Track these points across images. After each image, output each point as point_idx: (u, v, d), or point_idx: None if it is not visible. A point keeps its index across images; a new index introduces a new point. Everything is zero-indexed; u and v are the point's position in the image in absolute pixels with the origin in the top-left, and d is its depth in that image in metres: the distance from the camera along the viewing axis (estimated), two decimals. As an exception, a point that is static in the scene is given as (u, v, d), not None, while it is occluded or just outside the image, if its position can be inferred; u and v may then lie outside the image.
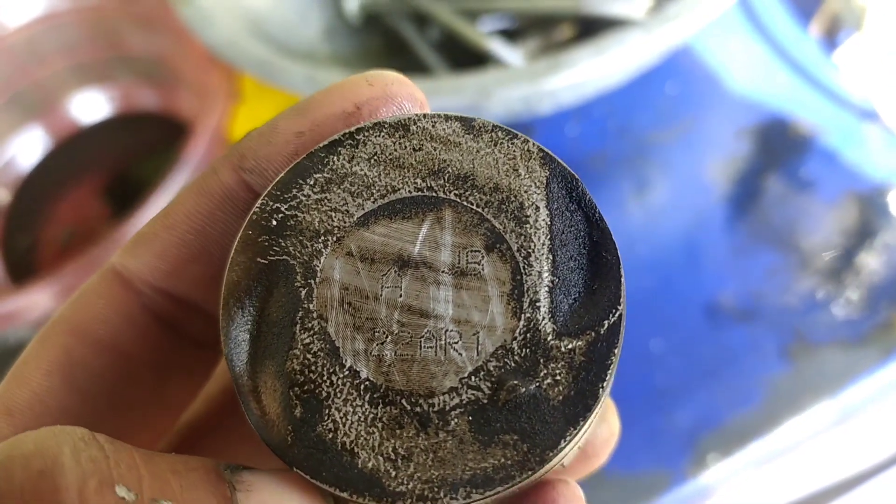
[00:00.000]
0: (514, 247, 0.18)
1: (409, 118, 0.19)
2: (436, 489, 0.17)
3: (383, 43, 0.64)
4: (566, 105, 0.54)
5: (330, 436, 0.17)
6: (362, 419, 0.17)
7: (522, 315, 0.18)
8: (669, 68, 0.59)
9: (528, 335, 0.18)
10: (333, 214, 0.18)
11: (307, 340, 0.18)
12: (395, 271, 0.18)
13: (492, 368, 0.17)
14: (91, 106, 0.72)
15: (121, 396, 0.20)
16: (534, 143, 0.19)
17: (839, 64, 0.56)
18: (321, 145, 0.19)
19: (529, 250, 0.18)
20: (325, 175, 0.18)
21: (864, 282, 0.48)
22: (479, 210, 0.18)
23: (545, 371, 0.17)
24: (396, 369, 0.17)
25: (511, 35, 0.57)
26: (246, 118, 0.64)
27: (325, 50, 0.61)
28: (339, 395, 0.17)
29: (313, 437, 0.17)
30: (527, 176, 0.18)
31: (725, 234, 0.51)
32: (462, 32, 0.55)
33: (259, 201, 0.18)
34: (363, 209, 0.18)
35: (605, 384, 0.17)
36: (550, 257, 0.18)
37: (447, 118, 0.19)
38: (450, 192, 0.18)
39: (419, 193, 0.18)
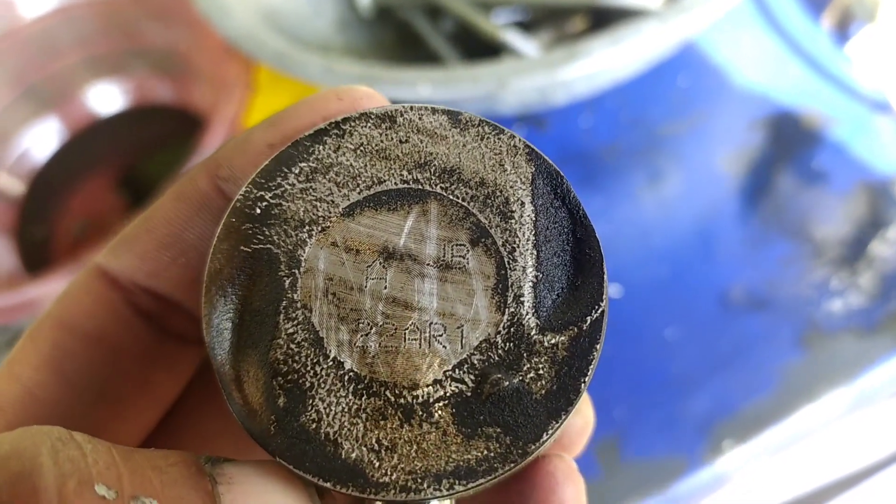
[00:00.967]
0: (498, 241, 0.18)
1: (396, 109, 0.19)
2: (419, 480, 0.17)
3: (396, 35, 0.64)
4: (580, 96, 0.54)
5: (313, 426, 0.17)
6: (346, 410, 0.17)
7: (506, 309, 0.18)
8: (681, 60, 0.59)
9: (512, 329, 0.18)
10: (318, 204, 0.18)
11: (291, 330, 0.17)
12: (381, 263, 0.18)
13: (476, 362, 0.17)
14: (106, 98, 0.72)
15: (108, 389, 0.21)
16: (520, 139, 0.19)
17: (851, 56, 0.56)
18: (307, 134, 0.19)
19: (514, 245, 0.18)
20: (311, 164, 0.18)
21: (877, 270, 0.48)
22: (465, 204, 0.18)
23: (528, 365, 0.17)
24: (381, 361, 0.17)
25: (524, 27, 0.58)
26: (261, 110, 0.65)
27: (339, 42, 0.62)
28: (322, 385, 0.17)
29: (296, 426, 0.17)
30: (512, 171, 0.18)
31: (738, 224, 0.52)
32: (476, 24, 0.55)
33: (243, 189, 0.18)
34: (349, 200, 0.18)
35: (586, 379, 0.17)
36: (535, 253, 0.18)
37: (434, 111, 0.19)
38: (436, 186, 0.18)
39: (405, 185, 0.18)
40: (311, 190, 0.18)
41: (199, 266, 0.20)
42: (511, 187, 0.18)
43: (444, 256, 0.18)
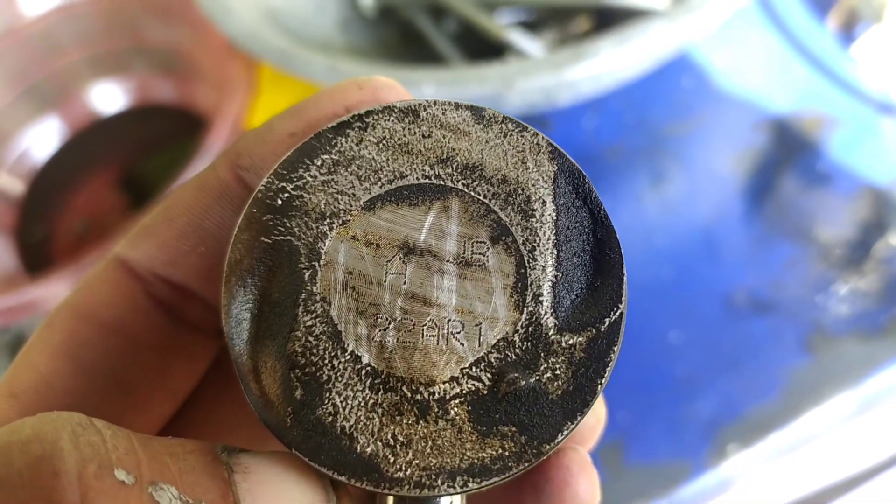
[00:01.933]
0: (519, 240, 0.18)
1: (420, 104, 0.19)
2: (433, 477, 0.17)
3: (399, 34, 0.64)
4: (585, 97, 0.54)
5: (329, 419, 0.17)
6: (362, 404, 0.17)
7: (525, 308, 0.18)
8: (686, 62, 0.59)
9: (530, 329, 0.18)
10: (340, 197, 0.18)
11: (309, 323, 0.18)
12: (400, 258, 0.18)
13: (493, 360, 0.18)
14: (107, 97, 0.72)
15: (124, 378, 0.21)
16: (543, 137, 0.19)
17: (856, 57, 0.56)
18: (329, 126, 0.18)
19: (534, 244, 0.18)
20: (333, 157, 0.18)
21: (882, 273, 0.48)
22: (486, 201, 0.18)
23: (545, 365, 0.17)
24: (398, 356, 0.17)
25: (528, 27, 0.57)
26: (263, 109, 0.64)
27: (341, 41, 0.62)
28: (340, 378, 0.17)
29: (313, 419, 0.17)
30: (535, 169, 0.18)
31: (743, 226, 0.51)
32: (481, 24, 0.55)
33: (265, 179, 0.18)
34: (370, 193, 0.18)
35: (603, 380, 0.17)
36: (555, 252, 0.18)
37: (458, 106, 0.19)
38: (458, 182, 0.18)
39: (427, 181, 0.18)
40: (332, 182, 0.18)
41: (217, 256, 0.20)
42: (533, 185, 0.18)
43: (464, 253, 0.18)
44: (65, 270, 0.53)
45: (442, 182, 0.18)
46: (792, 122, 0.55)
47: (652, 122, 0.57)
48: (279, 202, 0.18)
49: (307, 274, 0.18)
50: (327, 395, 0.17)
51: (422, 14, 0.61)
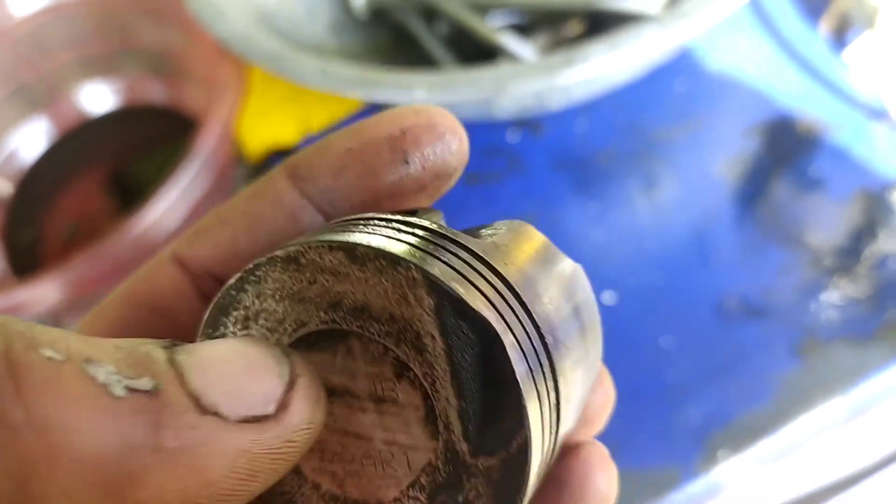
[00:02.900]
0: (420, 374, 0.18)
1: (298, 251, 0.18)
2: None
3: (391, 37, 0.64)
4: (577, 100, 0.54)
5: None
6: None
7: (440, 436, 0.18)
8: (678, 65, 0.59)
9: (448, 455, 0.18)
10: None
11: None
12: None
13: (424, 482, 0.19)
14: (97, 98, 0.71)
15: None
16: (417, 270, 0.17)
17: (848, 62, 0.56)
18: (231, 282, 0.19)
19: (434, 377, 0.18)
20: (242, 312, 0.19)
21: (874, 279, 0.48)
22: (382, 340, 0.18)
23: (468, 485, 0.18)
24: (349, 482, 0.19)
25: (520, 30, 0.57)
26: (253, 111, 0.64)
27: (333, 44, 0.61)
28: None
29: None
30: (417, 305, 0.18)
31: (735, 231, 0.51)
32: (473, 27, 0.55)
33: (198, 339, 0.19)
34: (283, 343, 0.19)
35: (522, 497, 0.18)
36: (455, 383, 0.18)
37: (330, 248, 0.18)
38: (352, 324, 0.18)
39: (325, 326, 0.19)
40: (250, 336, 0.19)
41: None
42: (419, 321, 0.18)
43: (376, 391, 0.19)
44: (53, 272, 0.52)
45: (338, 326, 0.18)
46: (784, 127, 0.55)
47: (644, 126, 0.57)
48: None
49: None
50: None
51: (414, 17, 0.60)
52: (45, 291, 0.53)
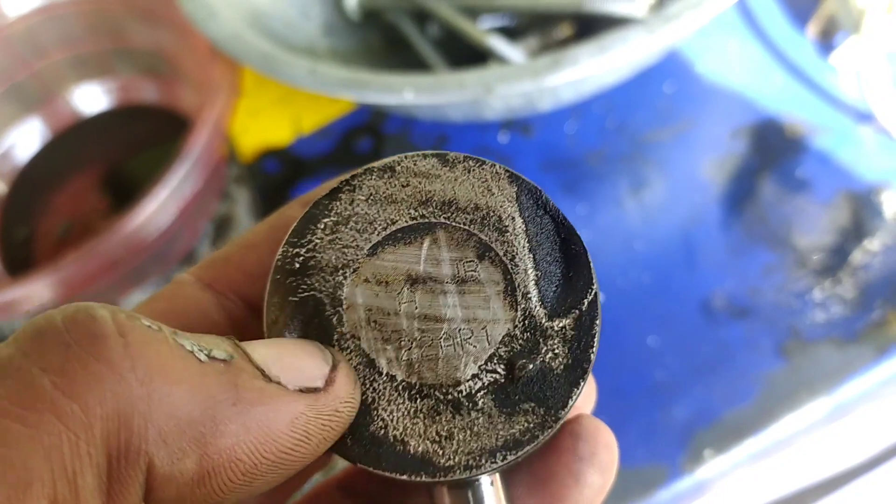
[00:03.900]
0: (500, 252, 0.21)
1: (394, 160, 0.22)
2: (478, 458, 0.20)
3: (383, 39, 0.64)
4: (566, 102, 0.55)
5: (382, 432, 0.20)
6: (406, 414, 0.20)
7: (518, 306, 0.21)
8: (667, 68, 0.59)
9: (526, 321, 0.21)
10: (346, 250, 0.22)
11: (346, 358, 0.21)
12: (408, 288, 0.21)
13: (503, 353, 0.21)
14: (90, 98, 0.71)
15: None
16: (500, 166, 0.22)
17: (835, 66, 0.57)
18: (324, 195, 0.22)
19: (514, 254, 0.21)
20: (332, 219, 0.22)
21: (859, 280, 0.48)
22: (467, 227, 0.22)
23: (545, 348, 0.21)
24: (425, 367, 0.21)
25: (510, 33, 0.58)
26: (246, 112, 0.64)
27: (325, 45, 0.62)
28: (382, 397, 0.20)
29: (367, 435, 0.20)
30: (499, 194, 0.22)
31: (722, 232, 0.52)
32: (463, 29, 0.55)
33: (280, 249, 0.21)
34: (370, 242, 0.22)
35: (594, 350, 0.21)
36: (531, 256, 0.21)
37: (425, 156, 0.22)
38: (440, 217, 0.22)
39: (414, 221, 0.22)
40: (337, 240, 0.22)
41: None
42: (501, 207, 0.22)
43: (458, 273, 0.21)
44: (47, 271, 0.53)
45: (427, 220, 0.22)
46: (771, 129, 0.56)
47: (633, 127, 0.58)
48: (297, 265, 0.21)
49: (334, 318, 0.21)
50: (375, 413, 0.20)
51: (406, 19, 0.61)
52: (37, 289, 0.53)
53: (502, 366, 0.21)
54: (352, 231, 0.22)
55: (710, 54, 0.59)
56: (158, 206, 0.53)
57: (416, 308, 0.21)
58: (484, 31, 0.55)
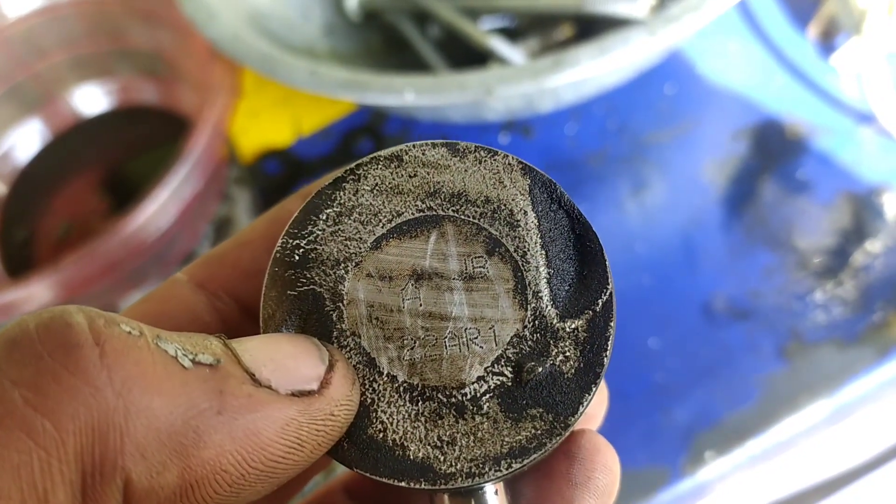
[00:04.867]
0: (511, 248, 0.20)
1: (401, 149, 0.21)
2: (481, 465, 0.19)
3: (383, 40, 0.64)
4: (567, 103, 0.54)
5: (381, 435, 0.19)
6: (406, 417, 0.19)
7: (528, 305, 0.20)
8: (668, 69, 0.59)
9: (536, 322, 0.20)
10: (349, 243, 0.21)
11: (345, 356, 0.20)
12: (412, 284, 0.20)
13: (510, 355, 0.20)
14: (90, 99, 0.71)
15: None
16: (513, 157, 0.21)
17: (836, 67, 0.56)
18: (327, 183, 0.21)
19: (525, 249, 0.20)
20: (335, 209, 0.21)
21: (860, 282, 0.48)
22: (476, 221, 0.21)
23: (556, 350, 0.20)
24: (428, 368, 0.20)
25: (511, 34, 0.57)
26: (246, 113, 0.64)
27: (325, 46, 0.62)
28: (381, 399, 0.19)
29: (365, 438, 0.19)
30: (511, 186, 0.21)
31: (722, 233, 0.52)
32: (464, 30, 0.55)
33: (280, 241, 0.20)
34: (374, 234, 0.21)
35: (607, 353, 0.20)
36: (544, 253, 0.20)
37: (434, 145, 0.21)
38: (448, 209, 0.21)
39: (421, 214, 0.21)
40: (340, 232, 0.21)
41: None
42: (513, 200, 0.21)
43: (466, 269, 0.20)
44: (46, 272, 0.52)
45: (434, 212, 0.21)
46: (772, 131, 0.55)
47: (634, 129, 0.57)
48: (296, 258, 0.20)
49: (334, 314, 0.20)
50: (374, 415, 0.19)
51: (406, 20, 0.61)
52: (37, 290, 0.53)
53: (510, 368, 0.20)
54: (355, 223, 0.21)
55: (711, 55, 0.59)
56: (158, 208, 0.53)
57: (421, 305, 0.20)
58: (484, 32, 0.55)
